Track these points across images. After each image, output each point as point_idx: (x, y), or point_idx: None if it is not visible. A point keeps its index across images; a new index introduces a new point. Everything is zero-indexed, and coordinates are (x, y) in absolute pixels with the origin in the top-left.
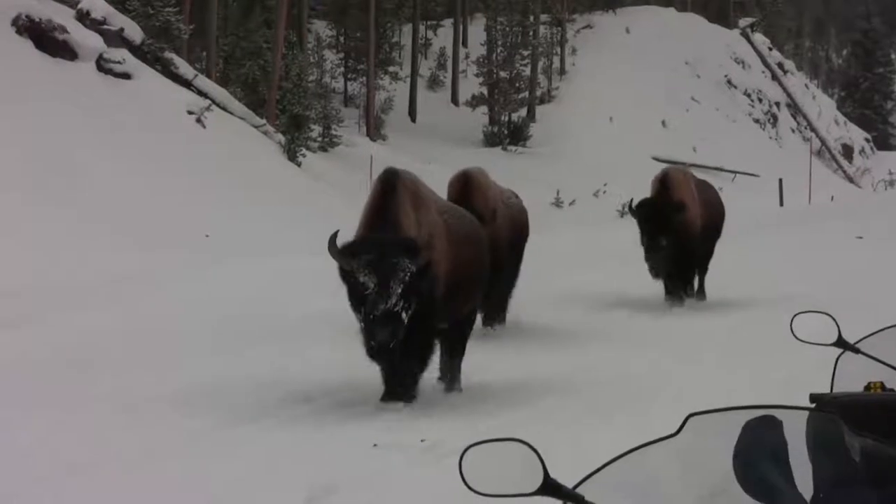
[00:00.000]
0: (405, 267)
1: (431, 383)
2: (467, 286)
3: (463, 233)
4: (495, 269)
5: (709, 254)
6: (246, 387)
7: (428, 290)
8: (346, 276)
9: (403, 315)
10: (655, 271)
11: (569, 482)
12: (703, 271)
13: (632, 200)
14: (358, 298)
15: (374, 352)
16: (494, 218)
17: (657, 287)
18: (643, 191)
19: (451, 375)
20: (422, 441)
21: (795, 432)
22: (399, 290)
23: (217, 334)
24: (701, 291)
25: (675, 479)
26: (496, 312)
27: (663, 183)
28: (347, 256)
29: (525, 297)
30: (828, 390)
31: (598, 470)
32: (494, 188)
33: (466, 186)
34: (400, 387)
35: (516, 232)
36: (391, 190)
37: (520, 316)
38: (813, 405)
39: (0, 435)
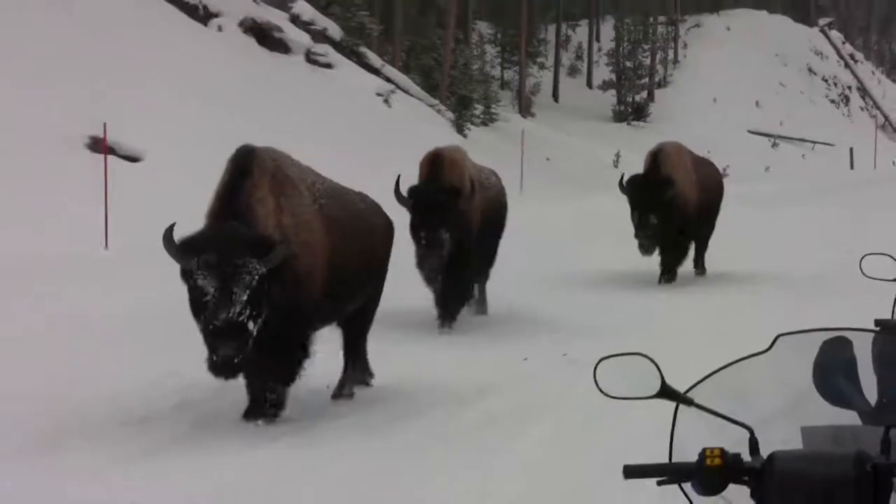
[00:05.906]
0: (252, 269)
1: (560, 306)
2: (354, 279)
3: (348, 220)
4: (461, 253)
5: (708, 232)
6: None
7: (290, 291)
8: (186, 276)
9: (251, 325)
10: (644, 248)
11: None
12: (702, 248)
13: (623, 176)
14: (198, 304)
15: (216, 368)
16: (473, 194)
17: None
18: (739, 158)
19: (348, 374)
20: (564, 355)
21: (863, 350)
22: (245, 297)
23: None
24: (700, 266)
25: (766, 387)
26: (456, 304)
27: (655, 158)
28: (186, 254)
29: None
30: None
31: (704, 378)
32: (471, 167)
33: (435, 164)
34: (266, 405)
35: (492, 214)
36: (245, 173)
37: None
38: (878, 328)
39: None
